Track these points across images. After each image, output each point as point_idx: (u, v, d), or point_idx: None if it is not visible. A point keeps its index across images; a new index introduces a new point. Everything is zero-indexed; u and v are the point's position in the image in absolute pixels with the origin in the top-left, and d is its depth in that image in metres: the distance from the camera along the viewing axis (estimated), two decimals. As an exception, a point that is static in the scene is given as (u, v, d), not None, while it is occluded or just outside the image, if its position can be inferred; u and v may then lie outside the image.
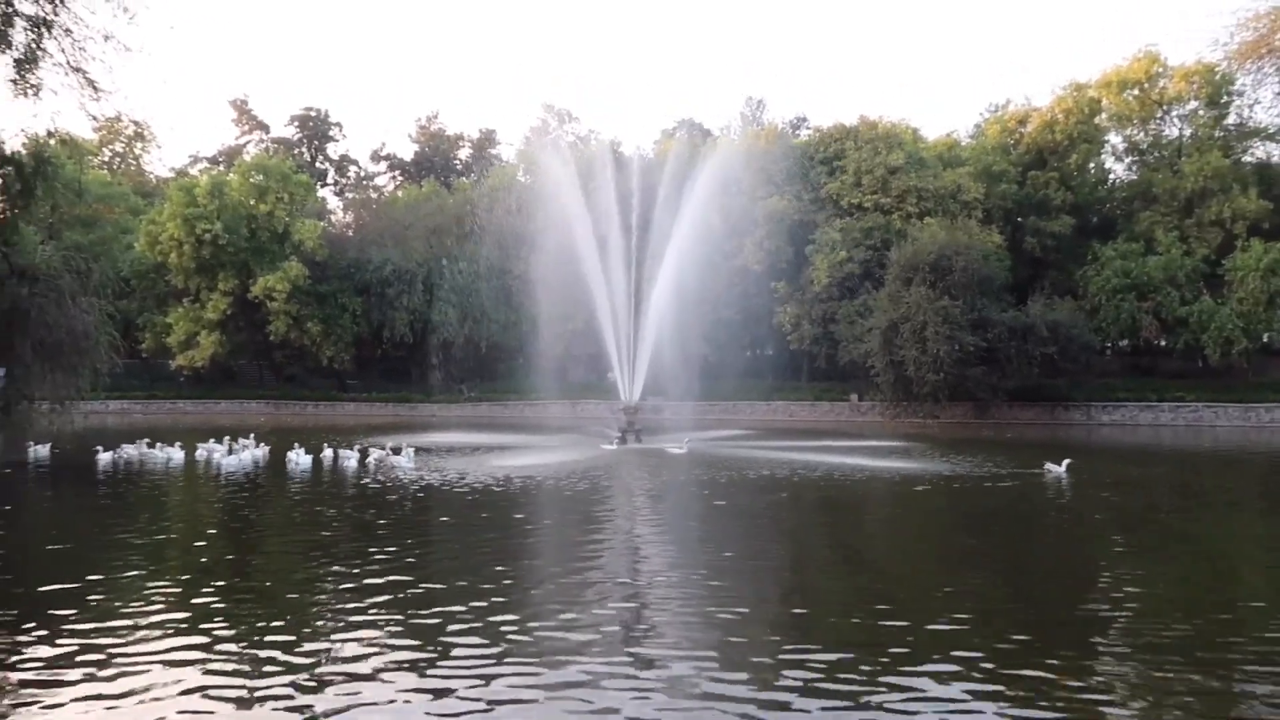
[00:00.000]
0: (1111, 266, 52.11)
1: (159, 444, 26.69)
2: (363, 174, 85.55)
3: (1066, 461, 22.60)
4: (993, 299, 49.73)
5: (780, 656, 7.91)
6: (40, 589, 10.24)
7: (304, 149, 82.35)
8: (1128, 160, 60.17)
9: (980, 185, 55.40)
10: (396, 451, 25.10)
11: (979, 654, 7.99)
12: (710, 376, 51.91)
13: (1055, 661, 7.82)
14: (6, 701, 6.73)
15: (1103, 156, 60.91)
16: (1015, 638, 8.59)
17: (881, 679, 7.35)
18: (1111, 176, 62.05)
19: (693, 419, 46.33)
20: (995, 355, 47.60)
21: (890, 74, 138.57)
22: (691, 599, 9.93)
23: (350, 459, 24.40)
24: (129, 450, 26.07)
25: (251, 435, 28.64)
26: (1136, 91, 55.92)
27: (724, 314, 53.92)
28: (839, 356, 54.08)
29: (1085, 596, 10.46)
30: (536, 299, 48.74)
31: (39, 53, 18.21)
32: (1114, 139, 59.92)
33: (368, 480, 21.12)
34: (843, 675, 7.42)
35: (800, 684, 7.21)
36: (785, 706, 6.77)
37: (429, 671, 7.46)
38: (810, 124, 66.70)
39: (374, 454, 25.27)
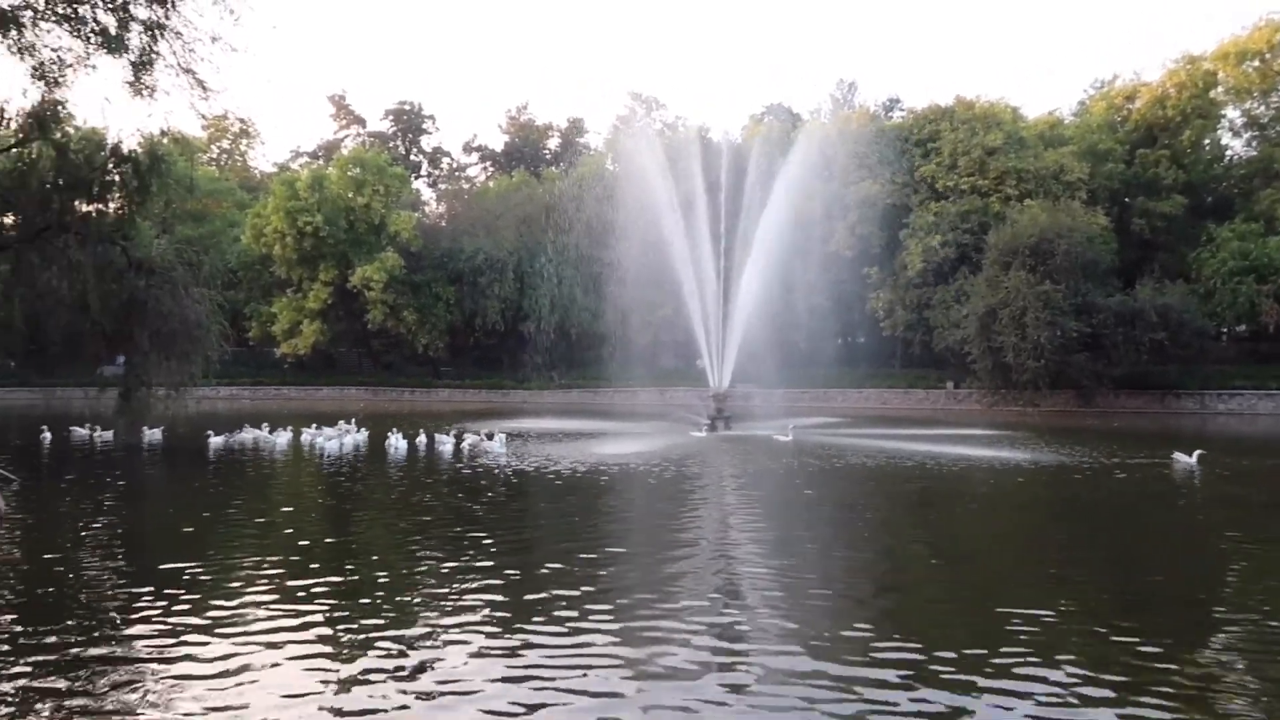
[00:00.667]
0: (1228, 248, 49.49)
1: (275, 429, 27.87)
2: (455, 165, 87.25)
3: (1198, 453, 21.67)
4: (1097, 283, 47.83)
5: (892, 651, 7.75)
6: (160, 566, 10.78)
7: (399, 142, 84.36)
8: (1246, 136, 56.96)
9: (1085, 165, 53.25)
10: (490, 437, 25.60)
11: (1096, 649, 7.68)
12: (801, 364, 51.34)
13: (1190, 662, 7.46)
14: (122, 673, 7.09)
15: (1218, 132, 57.82)
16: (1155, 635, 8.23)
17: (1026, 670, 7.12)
18: (1228, 153, 58.82)
19: (783, 406, 45.87)
20: (1100, 341, 45.81)
21: (988, 52, 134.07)
22: (798, 589, 9.82)
23: (446, 444, 25.01)
24: (247, 435, 27.27)
25: (352, 420, 29.64)
26: (1257, 63, 52.83)
27: (815, 300, 53.17)
28: (934, 343, 52.84)
29: (1238, 596, 9.96)
30: (625, 286, 48.88)
31: (153, 56, 19.04)
32: (1231, 113, 56.81)
33: (462, 465, 21.56)
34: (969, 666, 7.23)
35: (904, 678, 7.05)
36: (889, 704, 6.63)
37: (520, 654, 7.54)
38: (904, 105, 65.13)
39: (468, 439, 25.81)
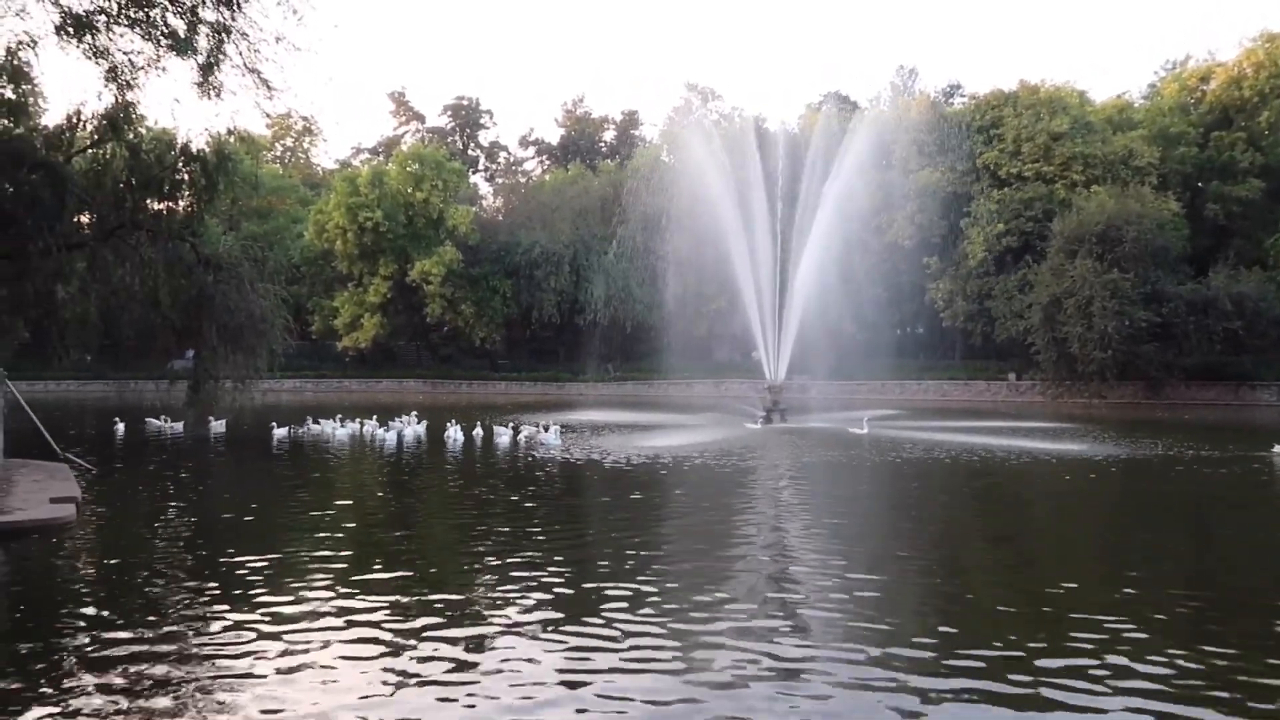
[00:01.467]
0: (1308, 233, 47.57)
1: (345, 420, 28.42)
2: (512, 159, 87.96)
3: None
4: (1168, 271, 46.40)
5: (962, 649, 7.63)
6: (225, 556, 11.07)
7: (456, 137, 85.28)
8: (1329, 116, 54.47)
9: (1155, 149, 51.64)
10: (544, 429, 25.80)
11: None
12: (858, 355, 50.72)
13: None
14: (184, 666, 7.30)
15: (1299, 113, 55.38)
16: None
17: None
18: (1310, 135, 56.32)
19: (839, 399, 45.40)
20: (1170, 331, 44.47)
21: (1054, 34, 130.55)
22: (855, 591, 9.72)
23: (503, 436, 25.27)
24: (318, 426, 27.81)
25: (414, 412, 30.19)
26: (1342, 39, 50.60)
27: (872, 291, 52.39)
28: (995, 334, 51.81)
29: None
30: (681, 279, 48.79)
31: (220, 57, 19.46)
32: (1314, 93, 54.37)
33: (519, 456, 21.77)
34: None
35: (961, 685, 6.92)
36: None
37: (574, 653, 7.57)
38: (965, 91, 63.70)
39: (525, 431, 26.04)
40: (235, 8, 18.20)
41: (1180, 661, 7.21)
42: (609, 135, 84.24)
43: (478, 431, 26.45)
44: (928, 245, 53.99)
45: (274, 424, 26.83)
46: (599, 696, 6.55)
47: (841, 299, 41.45)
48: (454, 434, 25.66)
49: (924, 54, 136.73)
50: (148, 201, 25.62)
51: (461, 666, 7.15)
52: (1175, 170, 52.74)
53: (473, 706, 6.39)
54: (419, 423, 28.69)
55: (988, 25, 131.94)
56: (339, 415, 29.24)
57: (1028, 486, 18.23)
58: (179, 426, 28.62)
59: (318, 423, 28.52)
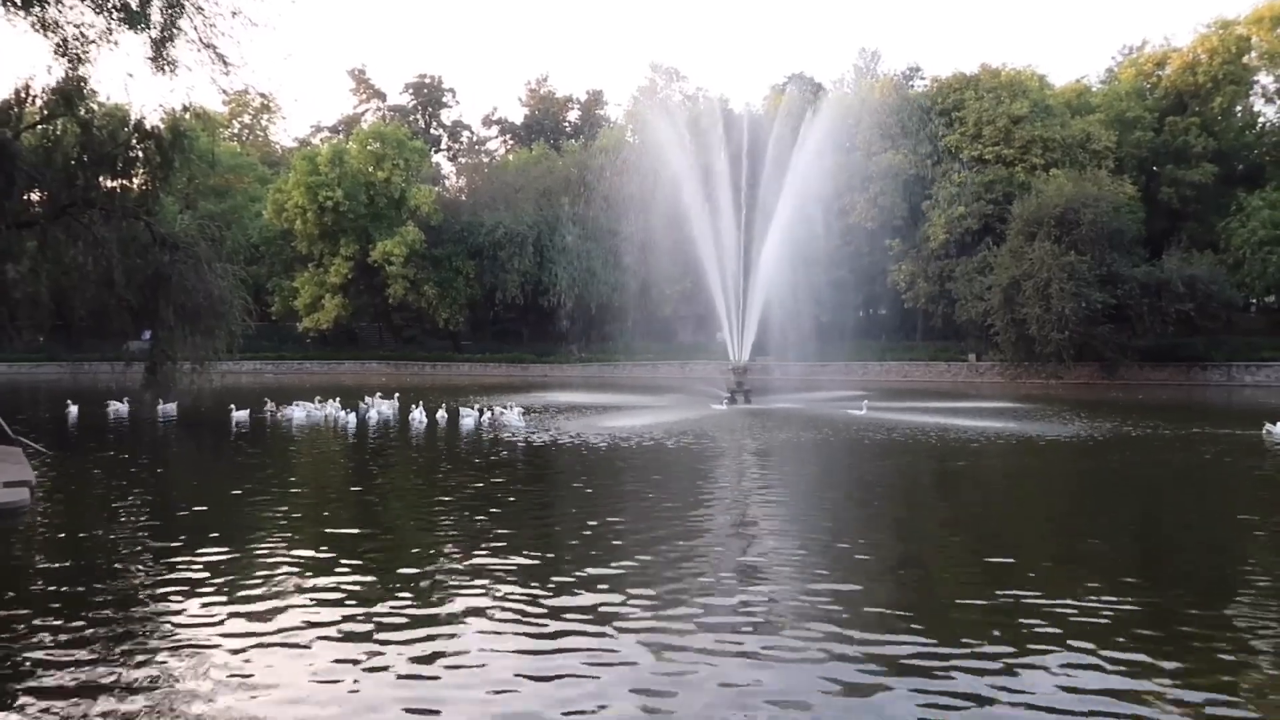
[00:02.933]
0: (1258, 217, 48.66)
1: (328, 401, 27.82)
2: (475, 139, 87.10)
3: None
4: (1124, 253, 47.21)
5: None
6: (181, 538, 10.95)
7: (419, 116, 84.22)
8: (1280, 102, 55.69)
9: (1112, 133, 52.45)
10: (498, 412, 25.73)
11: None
12: (821, 337, 51.08)
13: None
14: (144, 648, 7.23)
15: (1251, 99, 56.63)
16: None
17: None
18: (1261, 120, 57.57)
19: (802, 379, 45.79)
20: (1125, 313, 45.34)
21: (1014, 19, 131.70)
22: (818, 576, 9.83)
23: (468, 418, 25.10)
24: (297, 409, 27.27)
25: (378, 394, 29.98)
26: (1292, 27, 51.59)
27: (836, 273, 52.82)
28: (956, 315, 52.47)
29: None
30: (645, 260, 48.79)
31: (174, 31, 19.02)
32: (1264, 79, 55.60)
33: (482, 438, 21.69)
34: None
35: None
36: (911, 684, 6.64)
37: (540, 640, 7.61)
38: (926, 74, 64.10)
39: (487, 412, 25.92)
40: (190, -20, 17.79)
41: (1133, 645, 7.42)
42: (573, 115, 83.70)
43: (441, 414, 26.30)
44: (890, 227, 54.45)
45: (233, 406, 26.42)
46: (564, 678, 6.60)
47: (805, 280, 41.69)
48: (419, 416, 25.50)
49: (886, 36, 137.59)
50: (101, 179, 25.10)
51: (422, 655, 7.13)
52: (1131, 154, 53.60)
53: (434, 695, 6.37)
54: (388, 404, 28.46)
55: (949, 7, 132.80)
56: (318, 397, 28.61)
57: (997, 464, 18.57)
58: (124, 408, 27.86)
59: (321, 404, 27.78)
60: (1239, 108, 56.32)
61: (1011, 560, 10.18)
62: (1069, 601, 8.20)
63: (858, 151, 53.74)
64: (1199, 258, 46.85)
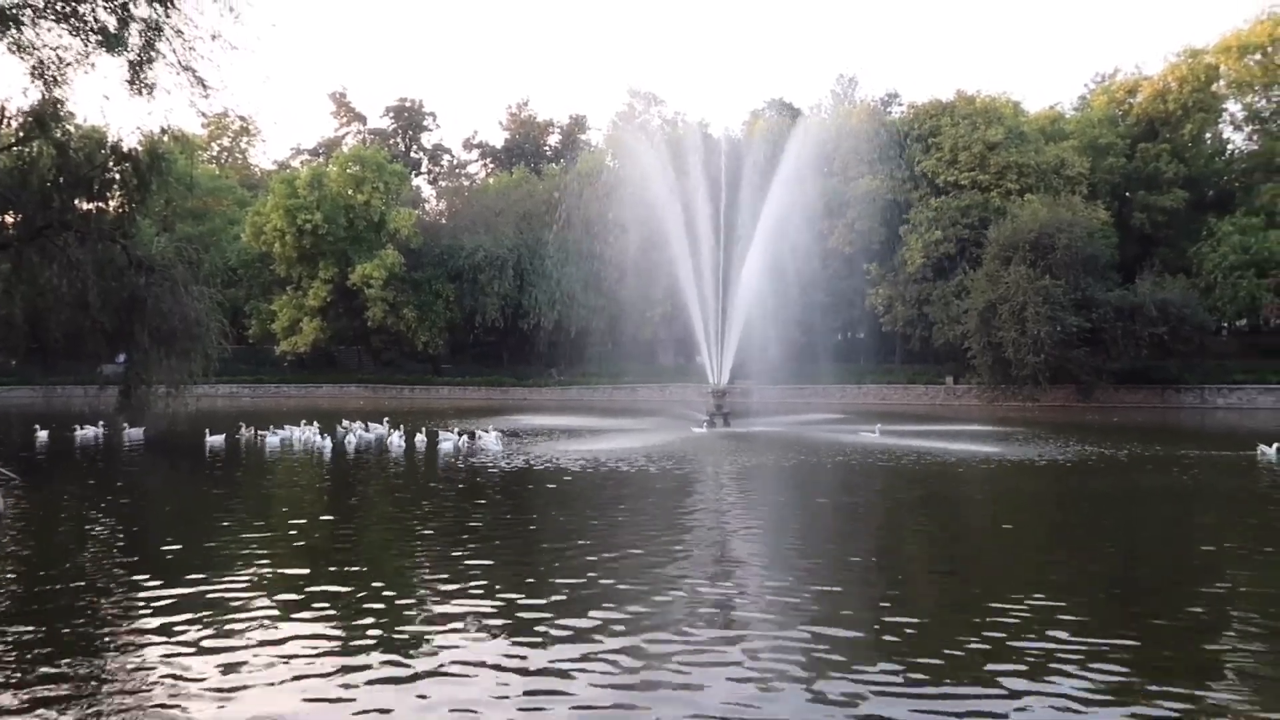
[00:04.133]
0: (1229, 242, 49.46)
1: (295, 425, 27.65)
2: (455, 162, 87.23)
3: (1277, 445, 22.23)
4: (1098, 278, 47.81)
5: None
6: (154, 562, 10.80)
7: (399, 139, 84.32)
8: (1248, 129, 56.88)
9: (1085, 159, 53.25)
10: (474, 436, 25.58)
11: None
12: (800, 359, 51.32)
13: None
14: (119, 675, 7.12)
15: (1220, 126, 57.83)
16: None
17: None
18: (1230, 147, 58.79)
19: (781, 403, 45.90)
20: (1100, 336, 45.83)
21: (989, 46, 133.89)
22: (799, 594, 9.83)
23: (447, 441, 24.92)
24: (288, 432, 26.94)
25: (358, 420, 29.81)
26: (1259, 56, 52.82)
27: (815, 296, 53.11)
28: (934, 339, 52.87)
29: None
30: (625, 283, 48.87)
31: (153, 54, 19.00)
32: (1233, 107, 56.80)
33: (459, 462, 21.56)
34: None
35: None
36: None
37: (518, 661, 7.57)
38: (903, 100, 64.88)
39: (464, 437, 25.73)
40: (169, 4, 17.79)
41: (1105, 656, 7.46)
42: (554, 139, 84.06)
43: (420, 438, 26.12)
44: (868, 252, 54.90)
45: (207, 430, 26.14)
46: (537, 695, 6.55)
47: (784, 304, 41.91)
48: (397, 440, 25.33)
49: (864, 62, 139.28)
50: (77, 201, 24.97)
51: (401, 680, 7.08)
52: (1104, 180, 54.41)
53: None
54: (367, 429, 28.19)
55: (925, 35, 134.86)
56: (301, 420, 28.34)
57: (989, 490, 18.66)
58: (87, 433, 27.40)
59: (310, 424, 27.55)
60: (1208, 135, 57.42)
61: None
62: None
63: (835, 176, 54.27)
64: (1171, 282, 47.50)
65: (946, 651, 7.59)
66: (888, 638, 8.00)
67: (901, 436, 28.65)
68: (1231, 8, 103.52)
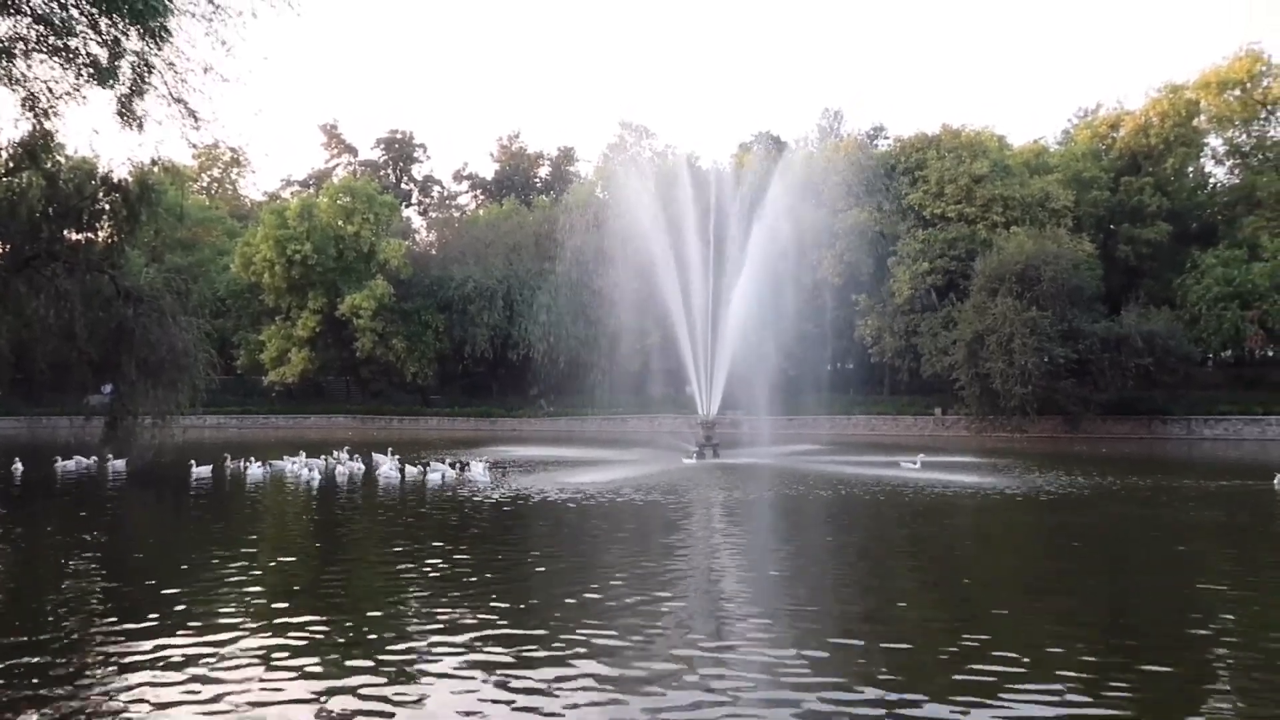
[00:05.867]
0: (1212, 274, 49.98)
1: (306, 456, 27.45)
2: (445, 194, 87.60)
3: None
4: (1084, 309, 48.19)
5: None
6: (138, 596, 10.69)
7: (389, 170, 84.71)
8: (1229, 163, 57.78)
9: (1070, 192, 53.83)
10: (463, 467, 25.40)
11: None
12: (789, 390, 51.38)
13: None
14: (100, 708, 7.02)
15: (1202, 160, 58.74)
16: None
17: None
18: (1211, 181, 59.65)
19: (771, 434, 45.86)
20: (1087, 367, 46.12)
21: (973, 81, 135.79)
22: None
23: (436, 472, 24.70)
24: (285, 464, 26.72)
25: (346, 449, 29.60)
26: (1238, 92, 53.76)
27: (803, 327, 53.33)
28: (922, 369, 53.07)
29: None
30: (615, 314, 48.99)
31: (144, 86, 19.11)
32: (1214, 142, 57.70)
33: (445, 494, 21.43)
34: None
35: None
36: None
37: (504, 696, 7.51)
38: (889, 134, 65.67)
39: (455, 467, 25.56)
40: (161, 38, 17.90)
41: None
42: (544, 171, 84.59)
43: (409, 469, 25.93)
44: (856, 283, 55.23)
45: (193, 462, 25.89)
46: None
47: (773, 335, 42.08)
48: (387, 471, 25.16)
49: (849, 95, 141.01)
50: (65, 232, 25.01)
51: (388, 710, 7.01)
52: (1089, 213, 55.00)
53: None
54: (353, 459, 28.00)
55: (910, 70, 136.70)
56: (301, 452, 28.11)
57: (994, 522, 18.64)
58: (69, 465, 26.96)
59: (276, 460, 27.33)
60: (1190, 168, 58.22)
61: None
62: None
63: (823, 208, 54.65)
64: (1156, 314, 47.91)
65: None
66: (879, 673, 7.96)
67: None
68: (1211, 44, 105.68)
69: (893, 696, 7.25)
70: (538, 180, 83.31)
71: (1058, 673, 7.81)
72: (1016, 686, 7.47)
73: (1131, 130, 57.71)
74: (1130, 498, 21.24)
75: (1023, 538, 16.84)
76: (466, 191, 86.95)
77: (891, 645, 8.92)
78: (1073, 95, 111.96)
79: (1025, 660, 8.21)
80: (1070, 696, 7.26)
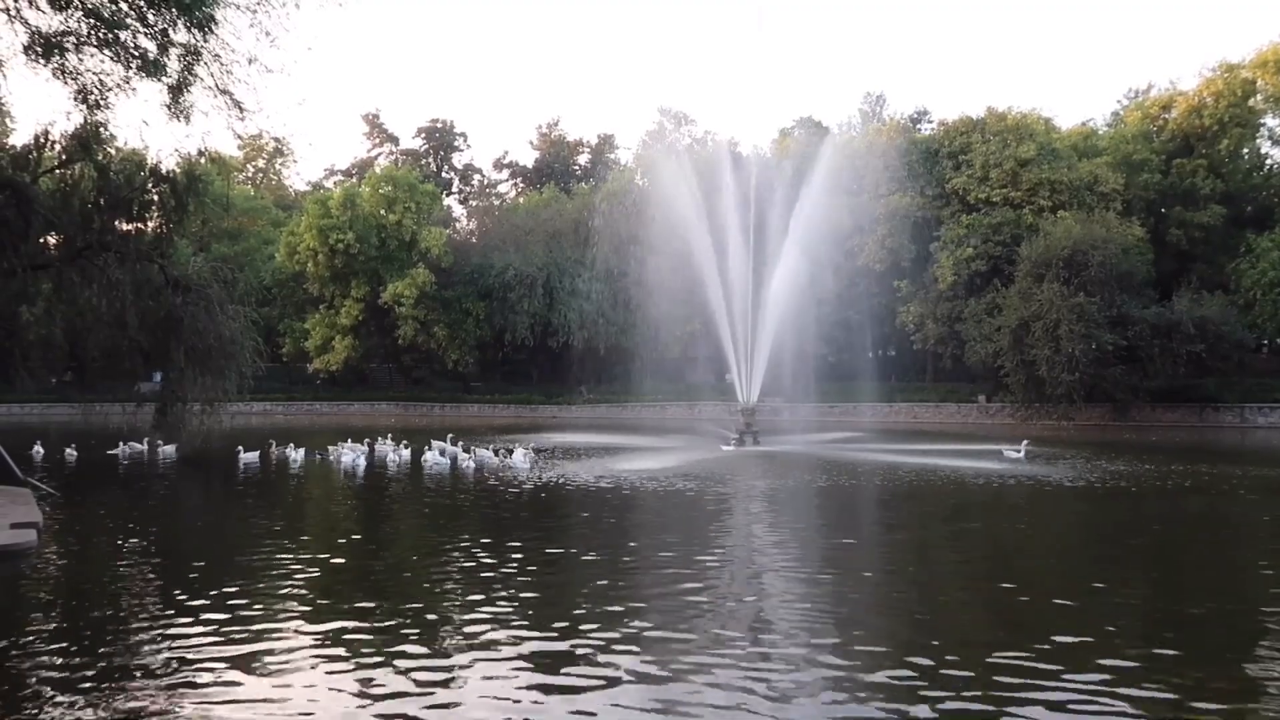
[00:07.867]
0: (1268, 258, 48.67)
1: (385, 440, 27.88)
2: (486, 182, 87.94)
3: None
4: (1133, 295, 47.19)
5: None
6: (191, 579, 10.90)
7: (431, 159, 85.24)
8: (1287, 144, 55.96)
9: (1119, 176, 52.62)
10: (508, 453, 25.47)
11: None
12: (830, 378, 51.03)
13: None
14: (150, 692, 7.16)
15: (1258, 141, 56.97)
16: None
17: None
18: (1268, 162, 57.90)
19: (811, 421, 45.61)
20: (1136, 354, 45.17)
21: (1020, 62, 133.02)
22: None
23: (470, 461, 24.81)
24: (345, 451, 26.79)
25: (389, 436, 29.98)
26: (1297, 71, 52.04)
27: (845, 314, 52.91)
28: (965, 357, 52.32)
29: None
30: (654, 301, 48.96)
31: (191, 78, 19.34)
32: (1270, 122, 56.00)
33: (491, 480, 21.57)
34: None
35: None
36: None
37: (542, 688, 7.54)
38: (933, 117, 64.67)
39: (489, 454, 25.62)
40: (207, 30, 18.09)
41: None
42: (583, 158, 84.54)
43: (449, 452, 26.14)
44: (898, 269, 54.59)
45: (240, 448, 26.37)
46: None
47: (814, 322, 41.76)
48: (434, 458, 25.30)
49: (892, 79, 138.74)
50: (116, 222, 25.45)
51: (431, 705, 7.07)
52: (1139, 196, 53.77)
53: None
54: (404, 446, 28.17)
55: (954, 52, 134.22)
56: (368, 439, 28.58)
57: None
58: (121, 450, 27.78)
59: (371, 444, 27.86)
60: (1246, 150, 56.60)
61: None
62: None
63: (865, 194, 54.04)
64: (1209, 299, 46.78)
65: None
66: (916, 659, 7.87)
67: (929, 456, 28.28)
68: (1269, 21, 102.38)
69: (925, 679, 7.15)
70: (577, 168, 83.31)
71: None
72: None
73: (1184, 111, 56.25)
74: (1234, 490, 20.78)
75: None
76: (506, 179, 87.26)
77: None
78: (1123, 76, 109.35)
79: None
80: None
